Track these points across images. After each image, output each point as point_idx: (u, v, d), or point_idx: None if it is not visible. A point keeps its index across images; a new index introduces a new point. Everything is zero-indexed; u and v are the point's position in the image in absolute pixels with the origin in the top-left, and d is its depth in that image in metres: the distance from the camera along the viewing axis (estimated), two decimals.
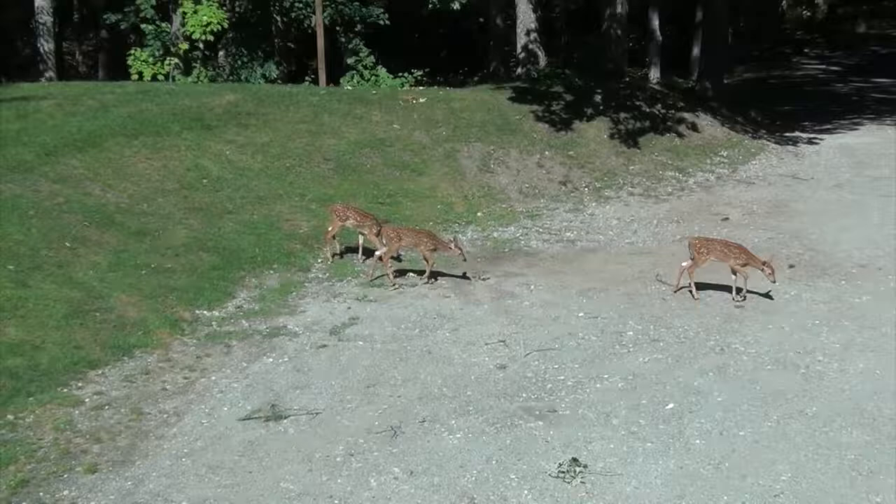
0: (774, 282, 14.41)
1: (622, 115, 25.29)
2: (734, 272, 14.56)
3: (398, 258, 16.23)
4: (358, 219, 16.22)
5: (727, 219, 19.43)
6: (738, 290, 14.62)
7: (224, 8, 28.78)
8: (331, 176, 19.65)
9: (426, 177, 20.51)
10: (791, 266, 16.14)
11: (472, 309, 14.40)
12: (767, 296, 14.65)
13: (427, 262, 15.45)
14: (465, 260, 15.57)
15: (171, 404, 11.23)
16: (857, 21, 53.56)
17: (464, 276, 15.71)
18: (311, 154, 20.23)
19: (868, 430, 10.39)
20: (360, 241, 16.50)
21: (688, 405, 11.07)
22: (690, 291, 14.78)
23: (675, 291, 14.85)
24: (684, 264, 14.89)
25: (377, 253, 15.63)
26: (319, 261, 16.38)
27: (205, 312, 13.90)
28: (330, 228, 16.40)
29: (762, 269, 14.28)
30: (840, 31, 51.33)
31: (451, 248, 15.32)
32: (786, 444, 10.14)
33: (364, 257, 16.42)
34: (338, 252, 16.60)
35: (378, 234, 15.95)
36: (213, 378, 11.94)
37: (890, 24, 53.90)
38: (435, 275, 15.62)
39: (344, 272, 15.89)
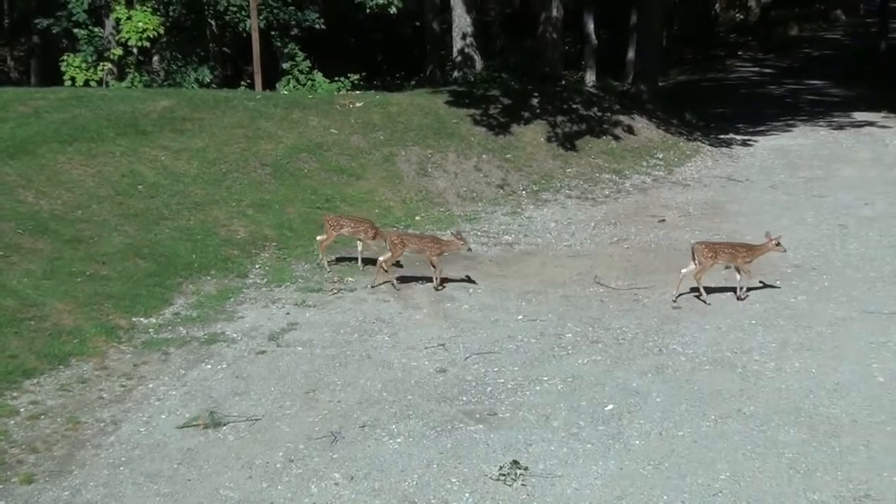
0: (785, 251, 15.05)
1: (559, 118, 25.41)
2: (739, 271, 14.78)
3: (398, 264, 16.14)
4: (353, 226, 16.20)
5: (664, 220, 19.57)
6: (741, 289, 14.84)
7: (158, 13, 28.50)
8: (268, 181, 19.54)
9: (364, 181, 20.47)
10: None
11: (411, 313, 14.39)
12: (769, 286, 15.15)
13: (434, 267, 15.32)
14: (469, 250, 15.44)
15: (108, 413, 11.11)
16: (790, 24, 54.20)
17: (468, 280, 15.65)
18: (248, 159, 20.10)
19: (805, 429, 10.51)
20: (360, 249, 16.47)
21: (627, 406, 11.13)
22: (700, 298, 14.75)
23: (675, 300, 14.76)
24: (684, 271, 14.83)
25: (379, 259, 15.58)
26: (257, 266, 16.28)
27: (141, 320, 13.75)
28: (324, 238, 16.33)
29: (775, 250, 14.79)
30: (773, 34, 51.91)
31: (455, 243, 15.22)
32: (724, 443, 10.23)
33: (363, 265, 16.43)
34: (331, 261, 16.51)
35: (374, 239, 16.01)
36: (151, 386, 11.83)
37: (821, 27, 54.64)
38: (444, 280, 15.54)
39: (282, 277, 15.80)
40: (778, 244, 14.70)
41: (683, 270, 14.82)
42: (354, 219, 16.56)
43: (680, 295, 14.82)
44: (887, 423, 10.62)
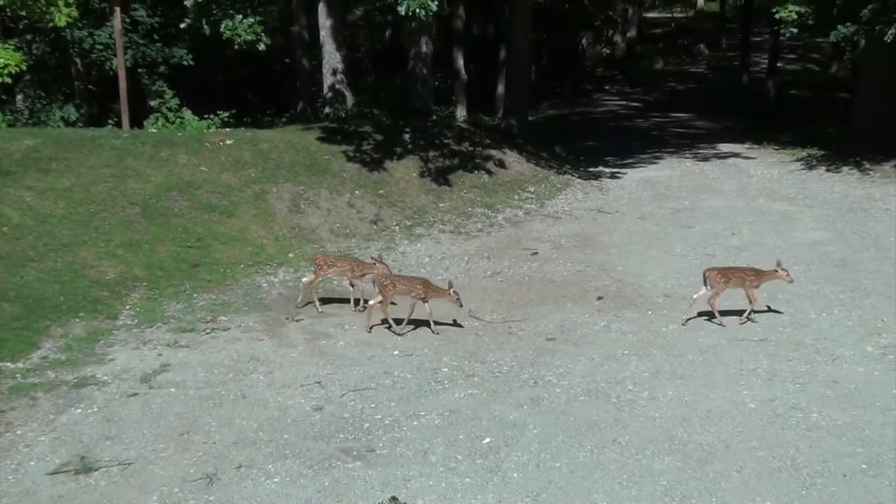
0: (791, 281, 15.48)
1: (431, 153, 25.52)
2: (749, 296, 15.20)
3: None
4: (340, 265, 16.16)
5: (536, 253, 19.74)
6: (750, 312, 15.30)
7: (21, 50, 27.91)
8: (137, 220, 19.19)
9: (236, 219, 20.25)
10: (599, 298, 16.51)
11: (286, 351, 14.26)
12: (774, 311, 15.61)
13: (412, 308, 15.05)
14: (461, 306, 15.14)
15: None
16: (655, 58, 55.46)
17: (455, 324, 15.42)
18: (116, 198, 19.71)
19: (679, 457, 10.66)
20: (352, 289, 16.32)
21: (504, 439, 11.17)
22: (714, 321, 15.26)
23: (685, 323, 15.22)
24: (695, 296, 15.33)
25: (371, 302, 15.35)
26: (127, 307, 15.97)
27: (8, 364, 13.36)
28: (312, 278, 16.26)
29: (779, 275, 15.25)
30: (639, 68, 53.03)
31: (448, 293, 14.95)
32: (600, 473, 10.32)
33: (356, 306, 16.25)
34: (315, 302, 16.29)
35: (362, 278, 15.95)
36: (19, 432, 11.50)
37: (685, 61, 56.01)
38: (414, 322, 15.22)
39: (153, 318, 15.52)
40: (787, 274, 15.29)
41: (695, 295, 15.34)
42: (343, 259, 16.47)
43: (689, 319, 15.27)
44: (759, 448, 10.84)
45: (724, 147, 32.65)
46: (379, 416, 11.90)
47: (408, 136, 26.12)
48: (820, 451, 10.74)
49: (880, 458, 10.55)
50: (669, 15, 71.79)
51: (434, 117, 30.25)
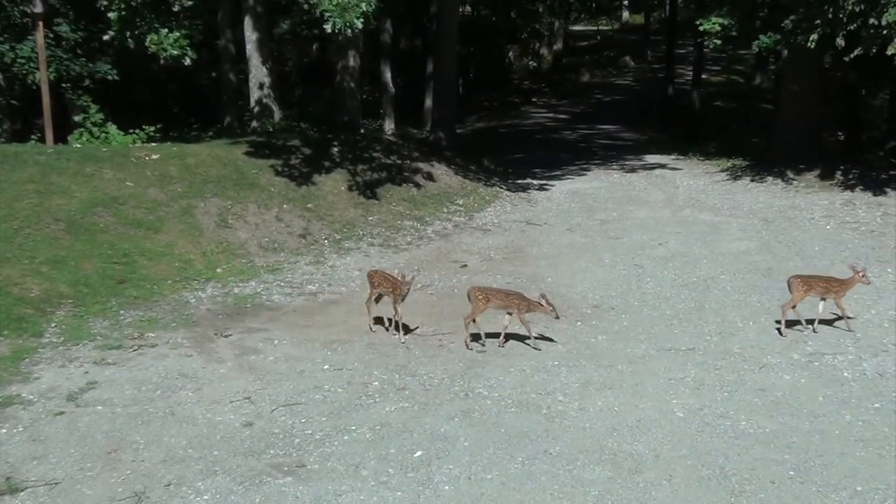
0: (869, 283, 15.50)
1: (360, 166, 25.49)
2: (836, 304, 15.27)
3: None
4: (385, 285, 15.60)
5: (465, 266, 19.77)
6: (839, 318, 15.44)
7: None
8: (62, 237, 18.91)
9: (162, 234, 20.03)
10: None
11: (215, 367, 14.13)
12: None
13: (523, 324, 14.72)
14: (557, 317, 14.85)
15: None
16: (581, 70, 55.91)
17: (542, 338, 15.14)
18: (41, 215, 19.41)
19: (609, 466, 10.70)
20: (395, 310, 15.57)
21: (435, 452, 11.15)
22: (811, 324, 15.38)
23: (783, 331, 15.19)
24: (784, 304, 15.36)
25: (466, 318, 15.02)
26: (53, 325, 15.73)
27: None
28: (369, 294, 15.99)
29: (862, 282, 15.19)
30: (565, 81, 53.42)
31: (542, 305, 14.62)
32: (532, 484, 10.33)
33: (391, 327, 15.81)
34: (372, 321, 15.97)
35: (403, 300, 15.27)
36: None
37: (611, 73, 56.53)
38: (508, 336, 15.00)
39: (79, 335, 15.30)
40: (865, 277, 15.20)
41: (783, 304, 15.36)
42: (390, 278, 15.78)
43: (787, 325, 15.29)
44: (688, 456, 10.91)
45: (651, 158, 33.06)
46: (309, 431, 11.82)
47: (336, 149, 26.07)
48: (748, 459, 10.84)
49: (807, 465, 10.68)
50: (595, 27, 72.52)
51: (362, 131, 30.24)
